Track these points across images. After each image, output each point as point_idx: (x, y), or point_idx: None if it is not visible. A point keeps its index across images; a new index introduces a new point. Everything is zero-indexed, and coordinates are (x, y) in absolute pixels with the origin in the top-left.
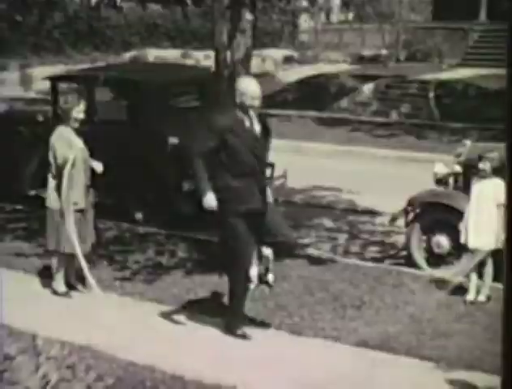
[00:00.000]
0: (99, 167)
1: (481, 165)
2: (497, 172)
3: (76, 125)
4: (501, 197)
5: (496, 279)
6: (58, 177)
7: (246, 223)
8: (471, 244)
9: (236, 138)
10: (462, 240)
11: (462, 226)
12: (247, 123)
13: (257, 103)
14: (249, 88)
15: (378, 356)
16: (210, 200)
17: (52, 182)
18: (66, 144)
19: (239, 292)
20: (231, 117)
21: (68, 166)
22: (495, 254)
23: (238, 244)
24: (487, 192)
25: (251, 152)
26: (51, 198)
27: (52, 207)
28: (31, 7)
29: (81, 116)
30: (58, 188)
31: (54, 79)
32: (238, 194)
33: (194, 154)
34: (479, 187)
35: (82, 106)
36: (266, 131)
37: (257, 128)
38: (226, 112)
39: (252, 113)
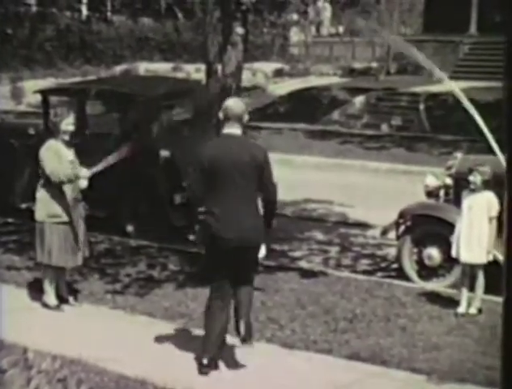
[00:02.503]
0: (83, 183)
1: (471, 178)
2: (488, 185)
3: (66, 137)
4: (493, 210)
5: (487, 291)
6: (48, 187)
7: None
8: (463, 257)
9: None
10: (453, 253)
11: (453, 239)
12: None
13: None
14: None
15: (370, 369)
16: None
17: (39, 195)
18: (55, 156)
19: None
20: None
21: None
22: (486, 266)
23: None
24: (478, 205)
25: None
26: (38, 211)
27: (39, 220)
28: (22, 20)
29: (70, 128)
30: (44, 200)
31: (45, 93)
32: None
33: None
34: (470, 200)
35: (71, 119)
36: None
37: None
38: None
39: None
